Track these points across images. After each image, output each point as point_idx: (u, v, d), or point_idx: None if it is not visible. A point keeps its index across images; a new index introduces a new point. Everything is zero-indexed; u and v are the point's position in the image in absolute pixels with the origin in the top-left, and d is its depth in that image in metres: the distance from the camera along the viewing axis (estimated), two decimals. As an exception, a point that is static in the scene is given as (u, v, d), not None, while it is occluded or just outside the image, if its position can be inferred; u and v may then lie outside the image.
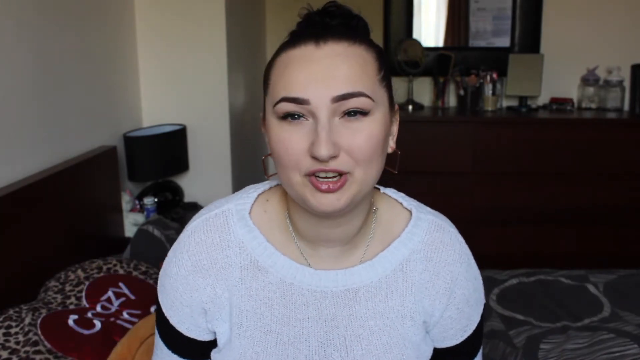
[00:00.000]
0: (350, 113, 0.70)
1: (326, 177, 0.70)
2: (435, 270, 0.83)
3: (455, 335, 0.86)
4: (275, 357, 0.80)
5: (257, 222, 0.82)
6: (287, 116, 0.70)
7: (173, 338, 0.85)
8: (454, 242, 0.85)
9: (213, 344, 0.86)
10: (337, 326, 0.80)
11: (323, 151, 0.67)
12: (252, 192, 0.85)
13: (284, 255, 0.80)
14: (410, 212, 0.85)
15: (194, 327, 0.83)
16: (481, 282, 0.88)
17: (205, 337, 0.85)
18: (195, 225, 0.83)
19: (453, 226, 0.87)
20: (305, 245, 0.81)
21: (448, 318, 0.85)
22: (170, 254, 0.84)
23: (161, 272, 0.85)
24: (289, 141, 0.70)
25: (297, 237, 0.81)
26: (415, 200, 0.88)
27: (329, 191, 0.70)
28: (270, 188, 0.86)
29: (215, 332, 0.84)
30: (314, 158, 0.69)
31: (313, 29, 0.74)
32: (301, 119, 0.70)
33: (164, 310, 0.84)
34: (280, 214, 0.83)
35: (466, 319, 0.86)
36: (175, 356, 0.86)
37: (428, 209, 0.87)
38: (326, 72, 0.69)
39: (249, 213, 0.82)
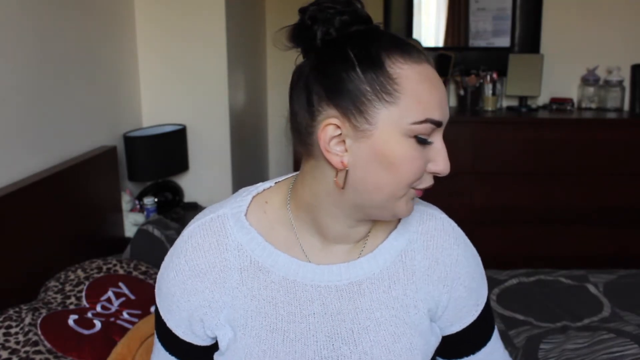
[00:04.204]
0: None
1: None
2: (435, 256, 0.85)
3: (469, 311, 0.89)
4: (283, 354, 0.80)
5: (254, 223, 0.82)
6: (422, 141, 0.72)
7: (170, 340, 0.86)
8: (447, 227, 0.87)
9: (212, 348, 0.86)
10: (344, 320, 0.81)
11: (447, 169, 0.75)
12: (246, 195, 0.84)
13: (284, 254, 0.81)
14: None
15: (189, 332, 0.84)
16: (479, 257, 0.91)
17: (201, 342, 0.85)
18: (191, 229, 0.83)
19: (442, 212, 0.90)
20: (313, 243, 0.82)
21: (458, 298, 0.87)
22: (167, 258, 0.84)
23: (159, 276, 0.85)
24: (419, 160, 0.73)
25: (300, 235, 0.82)
26: None
27: (418, 196, 0.77)
28: (264, 190, 0.85)
29: (214, 338, 0.84)
30: (429, 173, 0.75)
31: (411, 44, 0.74)
32: (431, 145, 0.74)
33: (162, 314, 0.85)
34: (281, 214, 0.82)
35: (476, 293, 0.89)
36: (173, 358, 0.87)
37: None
38: (444, 96, 0.74)
39: (245, 215, 0.82)
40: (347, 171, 0.73)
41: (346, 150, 0.72)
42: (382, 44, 0.72)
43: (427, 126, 0.71)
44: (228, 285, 0.80)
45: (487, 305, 0.91)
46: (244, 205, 0.83)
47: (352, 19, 0.73)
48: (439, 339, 0.89)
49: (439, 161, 0.74)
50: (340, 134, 0.72)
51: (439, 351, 0.93)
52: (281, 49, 0.76)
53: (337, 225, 0.79)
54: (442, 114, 0.73)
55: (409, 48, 0.73)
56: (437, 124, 0.72)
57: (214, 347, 0.86)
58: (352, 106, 0.71)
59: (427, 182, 0.76)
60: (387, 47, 0.72)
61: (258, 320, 0.80)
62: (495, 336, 0.93)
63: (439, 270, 0.85)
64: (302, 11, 0.74)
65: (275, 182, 0.86)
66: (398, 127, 0.71)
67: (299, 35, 0.75)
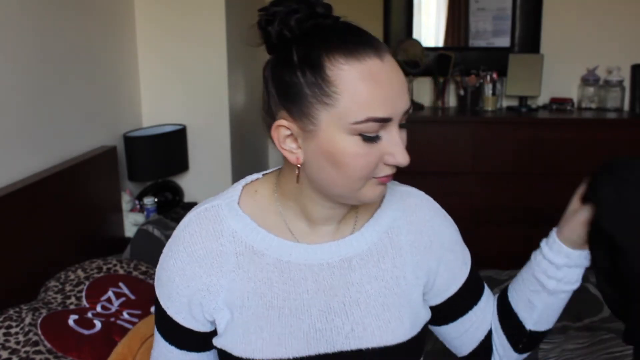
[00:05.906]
0: (402, 124, 0.77)
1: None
2: (418, 229, 0.91)
3: (462, 270, 0.96)
4: (279, 329, 0.83)
5: (247, 210, 0.87)
6: (367, 138, 0.73)
7: (170, 329, 0.88)
8: (424, 201, 0.95)
9: (211, 335, 0.89)
10: (336, 294, 0.85)
11: (405, 162, 0.76)
12: (236, 185, 0.91)
13: (277, 237, 0.85)
14: None
15: (190, 317, 0.87)
16: (456, 225, 0.98)
17: (201, 328, 0.88)
18: (188, 219, 0.87)
19: (419, 190, 0.96)
20: (301, 227, 0.87)
21: (448, 262, 0.93)
22: (165, 249, 0.88)
23: (158, 267, 0.89)
24: (368, 156, 0.75)
25: (288, 220, 0.87)
26: None
27: (384, 183, 0.79)
28: (252, 181, 0.91)
29: (213, 322, 0.87)
30: (387, 165, 0.77)
31: (364, 38, 0.74)
32: (379, 140, 0.75)
33: (162, 302, 0.88)
34: (270, 202, 0.88)
35: (461, 252, 0.96)
36: (173, 347, 0.89)
37: (394, 181, 0.93)
38: (397, 89, 0.74)
39: (238, 204, 0.87)
40: (299, 167, 0.79)
41: (299, 148, 0.77)
42: (328, 43, 0.73)
43: (371, 125, 0.73)
44: (225, 270, 0.84)
45: (472, 262, 0.98)
46: (236, 194, 0.88)
47: (306, 15, 0.75)
48: (429, 314, 0.93)
49: (396, 154, 0.76)
50: (292, 134, 0.77)
51: (444, 320, 0.96)
52: (253, 45, 0.80)
53: (319, 207, 0.84)
54: (388, 110, 0.73)
55: (357, 44, 0.73)
56: (383, 120, 0.73)
57: (213, 334, 0.89)
58: (297, 109, 0.75)
59: (386, 171, 0.78)
60: (331, 47, 0.73)
61: (254, 300, 0.84)
62: (485, 285, 1.00)
63: (424, 240, 0.91)
64: (261, 10, 0.77)
65: (263, 174, 0.92)
66: (340, 127, 0.73)
67: (261, 34, 0.78)
